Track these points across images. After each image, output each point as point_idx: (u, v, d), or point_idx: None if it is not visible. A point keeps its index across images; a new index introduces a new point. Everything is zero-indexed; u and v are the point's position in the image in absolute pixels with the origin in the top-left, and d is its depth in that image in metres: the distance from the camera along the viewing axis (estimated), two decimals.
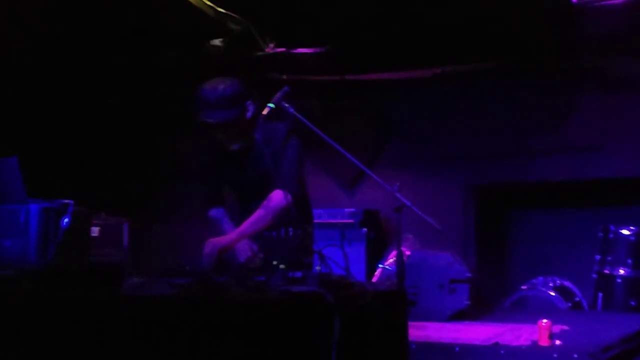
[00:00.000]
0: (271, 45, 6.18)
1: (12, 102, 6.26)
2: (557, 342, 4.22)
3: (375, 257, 6.48)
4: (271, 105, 3.36)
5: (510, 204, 7.32)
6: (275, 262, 2.70)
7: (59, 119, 6.99)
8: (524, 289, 6.37)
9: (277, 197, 3.46)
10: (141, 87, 7.12)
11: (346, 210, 6.84)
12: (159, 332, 2.51)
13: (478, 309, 5.68)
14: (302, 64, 6.47)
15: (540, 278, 6.47)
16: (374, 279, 6.19)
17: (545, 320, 4.25)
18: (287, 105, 3.40)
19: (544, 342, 4.19)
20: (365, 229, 6.73)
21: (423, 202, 6.89)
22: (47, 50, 5.99)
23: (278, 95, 3.42)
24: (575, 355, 3.91)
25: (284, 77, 6.84)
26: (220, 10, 5.55)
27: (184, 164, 7.68)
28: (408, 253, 6.14)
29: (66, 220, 4.74)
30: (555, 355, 3.97)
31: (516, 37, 5.99)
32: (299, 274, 2.60)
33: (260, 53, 6.24)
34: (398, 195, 3.36)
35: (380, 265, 6.15)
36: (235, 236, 3.34)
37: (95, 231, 5.70)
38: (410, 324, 5.19)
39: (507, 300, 6.35)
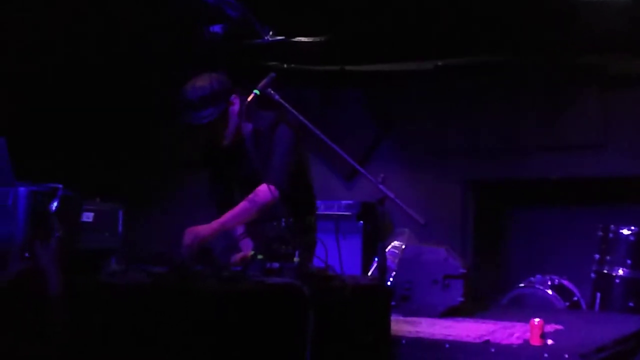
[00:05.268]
0: (270, 33, 6.10)
1: (7, 84, 6.21)
2: (549, 341, 4.15)
3: (371, 250, 6.41)
4: (256, 91, 3.29)
5: (509, 201, 7.24)
6: (253, 253, 2.63)
7: (58, 102, 6.92)
8: (521, 287, 6.29)
9: (264, 190, 3.39)
10: (142, 72, 7.03)
11: (343, 202, 6.77)
12: (133, 319, 2.47)
13: (473, 305, 5.61)
14: (301, 53, 6.39)
15: (539, 276, 6.39)
16: (370, 273, 6.13)
17: (537, 319, 4.18)
18: (272, 92, 3.32)
19: (536, 341, 4.12)
20: (361, 222, 6.66)
21: (421, 195, 6.91)
22: (40, 34, 5.92)
23: (264, 81, 3.35)
24: (567, 355, 3.84)
25: (284, 65, 6.77)
26: None
27: (183, 151, 7.63)
28: (404, 246, 6.08)
29: (55, 204, 4.70)
30: (546, 355, 3.90)
31: (517, 33, 5.90)
32: (276, 265, 2.53)
33: (259, 41, 6.15)
34: (381, 187, 3.27)
35: (376, 259, 6.09)
36: (217, 227, 3.27)
37: (89, 216, 5.64)
38: (403, 319, 5.18)
39: (504, 298, 6.28)
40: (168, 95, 7.24)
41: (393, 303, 5.55)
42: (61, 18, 5.70)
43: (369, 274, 6.11)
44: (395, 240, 6.22)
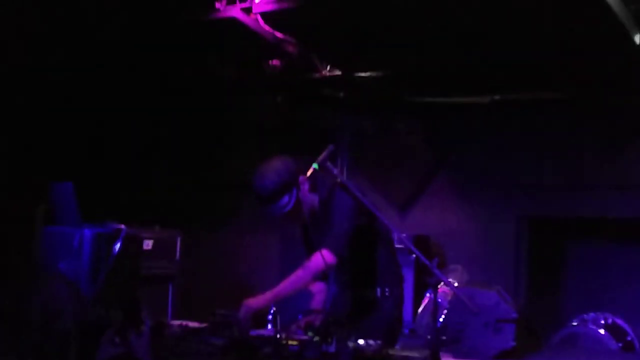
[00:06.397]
0: (327, 68, 6.20)
1: (63, 122, 6.42)
2: None
3: (423, 284, 6.42)
4: (315, 165, 3.37)
5: (566, 237, 7.16)
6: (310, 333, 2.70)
7: (115, 130, 7.09)
8: (574, 325, 6.23)
9: (317, 257, 3.48)
10: (199, 99, 7.20)
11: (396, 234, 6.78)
12: None
13: (525, 344, 5.59)
14: (358, 86, 6.45)
15: (592, 314, 6.30)
16: (421, 308, 6.16)
17: None
18: (331, 165, 3.40)
19: None
20: (414, 255, 6.66)
21: (476, 229, 6.90)
22: (104, 63, 6.12)
23: (323, 155, 3.42)
24: None
25: (340, 94, 6.85)
26: (278, 35, 5.58)
27: (236, 173, 7.76)
28: (456, 285, 6.09)
29: (118, 245, 4.90)
30: None
31: (578, 71, 5.85)
32: (332, 349, 2.60)
33: (317, 75, 6.25)
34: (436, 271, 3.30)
35: (427, 294, 6.14)
36: (271, 297, 3.37)
37: (148, 244, 5.84)
38: None
39: (556, 336, 6.22)
40: (224, 117, 7.47)
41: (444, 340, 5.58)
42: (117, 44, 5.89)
43: (420, 309, 6.14)
44: (447, 276, 6.24)
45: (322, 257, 3.42)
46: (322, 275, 3.53)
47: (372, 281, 3.74)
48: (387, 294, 3.74)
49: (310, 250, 3.67)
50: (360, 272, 3.75)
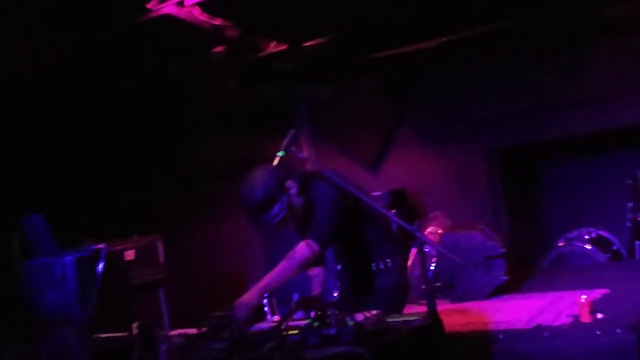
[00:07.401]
0: (272, 43, 6.15)
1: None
2: (599, 315, 4.21)
3: (406, 236, 6.46)
4: (281, 153, 3.33)
5: (536, 162, 7.25)
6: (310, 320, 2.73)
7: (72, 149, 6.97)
8: (560, 246, 6.35)
9: (302, 247, 3.47)
10: (153, 95, 7.08)
11: (371, 194, 6.82)
12: None
13: (517, 274, 5.70)
14: (308, 55, 6.41)
15: (576, 231, 6.42)
16: (410, 261, 6.20)
17: (584, 297, 4.26)
18: (296, 150, 3.36)
19: (586, 318, 4.20)
20: (393, 211, 6.70)
21: (448, 171, 6.95)
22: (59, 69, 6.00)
23: (286, 141, 3.38)
24: (619, 330, 3.90)
25: (290, 66, 6.80)
26: (216, 22, 5.52)
27: (204, 165, 7.72)
28: (440, 232, 6.15)
29: (101, 265, 4.87)
30: (598, 333, 3.97)
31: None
32: (332, 331, 2.62)
33: (264, 53, 6.20)
34: (418, 234, 3.33)
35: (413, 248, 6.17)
36: (260, 291, 3.35)
37: (130, 255, 5.79)
38: (451, 306, 5.27)
39: (545, 260, 6.33)
40: (181, 111, 7.39)
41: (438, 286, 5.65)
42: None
43: (409, 263, 6.18)
44: (429, 225, 6.30)
45: (306, 247, 3.42)
46: (308, 264, 3.52)
47: (367, 258, 3.73)
48: (388, 264, 3.74)
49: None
50: (354, 252, 3.74)
